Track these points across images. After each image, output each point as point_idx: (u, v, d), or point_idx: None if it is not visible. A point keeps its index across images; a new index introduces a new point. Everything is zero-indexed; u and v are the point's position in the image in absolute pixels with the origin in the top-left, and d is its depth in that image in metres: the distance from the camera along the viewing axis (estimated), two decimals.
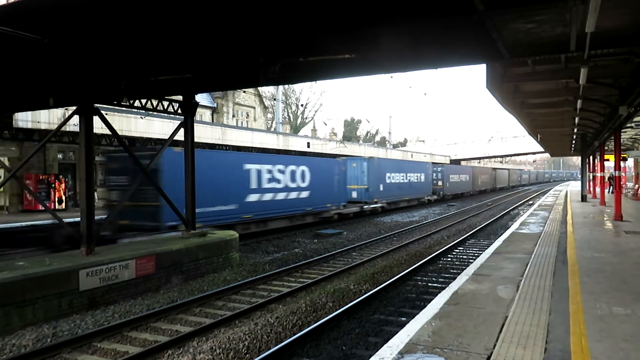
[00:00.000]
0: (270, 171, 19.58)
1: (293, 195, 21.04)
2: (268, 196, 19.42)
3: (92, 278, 9.51)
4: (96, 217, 10.88)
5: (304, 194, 21.75)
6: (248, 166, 18.51)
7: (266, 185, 19.30)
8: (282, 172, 20.40)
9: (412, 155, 51.45)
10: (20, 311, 8.30)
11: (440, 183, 41.20)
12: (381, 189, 29.63)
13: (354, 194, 27.89)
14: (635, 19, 7.40)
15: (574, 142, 29.70)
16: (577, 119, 18.15)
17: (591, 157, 34.18)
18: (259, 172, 18.92)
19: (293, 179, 21.07)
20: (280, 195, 20.20)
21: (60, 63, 9.82)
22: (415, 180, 35.81)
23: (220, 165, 17.21)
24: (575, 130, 22.54)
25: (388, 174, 30.93)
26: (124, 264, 10.18)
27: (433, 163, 42.67)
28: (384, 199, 29.84)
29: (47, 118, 17.52)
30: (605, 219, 17.09)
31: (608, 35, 7.94)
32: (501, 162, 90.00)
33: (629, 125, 19.17)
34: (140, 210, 14.69)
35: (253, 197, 18.58)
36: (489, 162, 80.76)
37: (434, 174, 40.37)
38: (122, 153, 15.07)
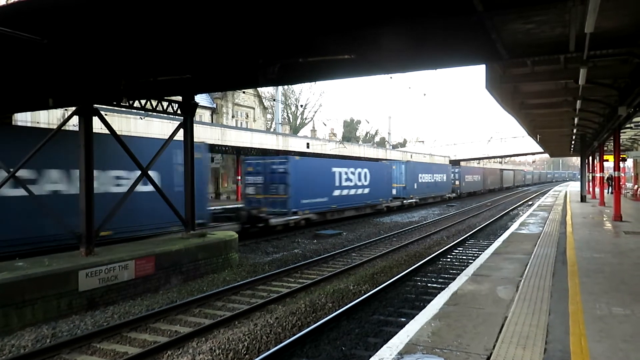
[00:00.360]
0: (346, 173, 25.63)
1: (359, 191, 27.18)
2: (345, 192, 25.49)
3: (91, 279, 9.50)
4: (233, 206, 12.52)
5: (366, 191, 27.88)
6: (334, 169, 24.61)
7: (344, 184, 25.42)
8: (353, 173, 26.42)
9: (411, 155, 51.45)
10: (19, 312, 8.30)
11: (457, 182, 46.79)
12: (415, 187, 35.62)
13: (394, 191, 32.97)
14: (635, 19, 7.41)
15: (573, 142, 29.71)
16: (576, 120, 18.16)
17: (590, 158, 34.20)
18: (340, 173, 24.99)
19: (359, 179, 27.14)
20: (352, 191, 26.33)
21: (60, 64, 9.81)
22: (440, 180, 41.28)
23: (318, 168, 23.40)
24: (575, 130, 22.55)
25: (420, 175, 36.91)
26: (123, 264, 10.18)
27: (452, 165, 48.63)
28: (417, 196, 35.82)
29: (46, 119, 17.50)
30: (604, 219, 17.10)
31: (607, 36, 7.94)
32: (500, 162, 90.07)
33: (628, 125, 19.20)
34: (273, 200, 20.89)
35: (336, 192, 24.65)
36: (488, 162, 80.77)
37: (453, 175, 46.00)
38: (257, 160, 22.64)
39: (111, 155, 12.89)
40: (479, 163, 73.44)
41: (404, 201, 33.47)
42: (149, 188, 13.17)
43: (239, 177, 33.00)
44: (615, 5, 6.48)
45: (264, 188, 21.37)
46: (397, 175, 33.59)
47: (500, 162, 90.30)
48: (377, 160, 36.94)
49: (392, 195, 31.92)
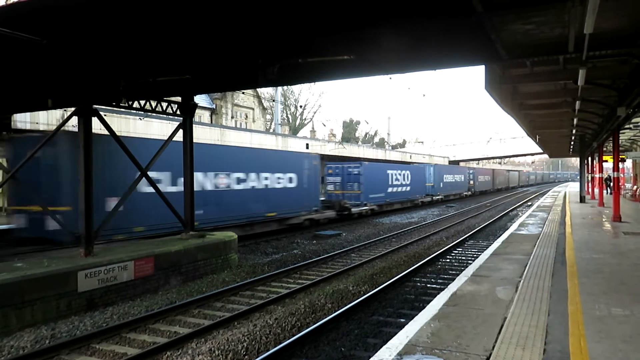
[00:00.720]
0: (395, 174, 32.68)
1: (403, 189, 34.16)
2: (395, 189, 32.59)
3: (90, 279, 9.49)
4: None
5: (408, 189, 34.88)
6: (388, 171, 31.89)
7: (394, 183, 32.49)
8: (400, 174, 33.44)
9: (410, 156, 51.51)
10: (18, 312, 8.29)
11: (472, 182, 53.80)
12: (441, 186, 42.53)
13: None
14: (634, 20, 7.42)
15: (572, 143, 29.72)
16: (575, 120, 18.16)
17: (590, 158, 34.21)
18: (392, 174, 32.16)
19: (404, 179, 34.22)
20: (399, 189, 33.38)
21: (59, 64, 9.81)
22: (459, 180, 48.84)
23: (378, 170, 30.62)
24: (574, 131, 22.56)
25: (445, 176, 44.28)
26: (122, 265, 10.17)
27: (468, 167, 55.47)
28: (442, 193, 42.73)
29: (45, 119, 17.48)
30: (603, 220, 17.12)
31: (606, 37, 7.95)
32: (500, 163, 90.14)
33: (627, 126, 19.20)
34: (350, 194, 27.54)
35: (390, 190, 31.82)
36: (487, 163, 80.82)
37: (469, 176, 53.02)
38: (336, 164, 29.10)
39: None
40: (478, 164, 73.45)
41: (434, 197, 40.55)
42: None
43: None
44: (614, 6, 6.49)
45: (342, 186, 28.36)
46: (427, 175, 39.88)
47: (500, 163, 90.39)
48: (376, 160, 38.63)
49: (425, 192, 39.00)
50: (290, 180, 20.69)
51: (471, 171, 54.12)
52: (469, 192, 52.06)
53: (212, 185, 16.64)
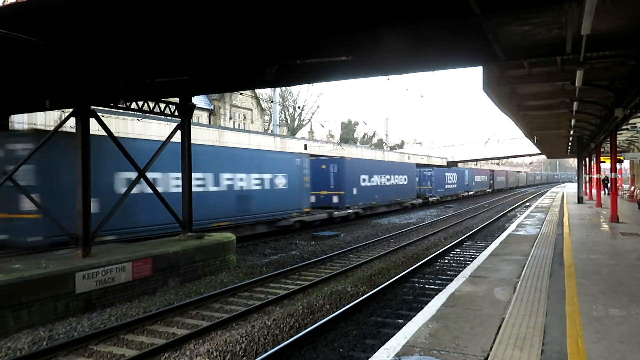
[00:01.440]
0: (448, 175, 46.69)
1: (453, 186, 47.51)
2: (448, 186, 45.84)
3: (88, 280, 9.48)
4: None
5: (455, 186, 47.59)
6: (445, 173, 45.98)
7: (448, 181, 46.13)
8: (451, 175, 47.61)
9: (409, 157, 51.53)
10: (16, 314, 8.27)
11: (491, 182, 66.02)
12: (473, 184, 55.45)
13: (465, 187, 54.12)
14: (631, 21, 7.44)
15: (570, 144, 29.77)
16: (573, 121, 18.22)
17: (587, 159, 34.28)
18: (447, 175, 46.35)
19: (453, 179, 48.02)
20: (451, 186, 46.75)
21: (57, 65, 9.80)
22: (484, 180, 62.77)
23: (440, 172, 42.73)
24: (572, 132, 22.60)
25: (475, 176, 57.50)
26: (120, 266, 10.15)
27: (489, 170, 68.69)
28: (474, 190, 55.69)
29: (43, 120, 17.45)
30: (601, 220, 17.15)
31: (603, 38, 7.98)
32: (497, 164, 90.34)
33: (624, 127, 19.26)
34: (425, 189, 38.20)
35: (446, 186, 45.19)
36: (485, 164, 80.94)
37: (490, 176, 66.22)
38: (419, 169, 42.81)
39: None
40: (476, 164, 73.62)
41: (468, 192, 52.87)
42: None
43: None
44: (611, 7, 6.51)
45: (420, 183, 41.10)
46: (466, 177, 51.93)
47: (498, 164, 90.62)
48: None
49: (464, 189, 51.16)
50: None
51: (491, 173, 67.82)
52: (490, 189, 65.48)
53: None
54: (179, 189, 13.80)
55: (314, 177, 24.20)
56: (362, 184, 27.73)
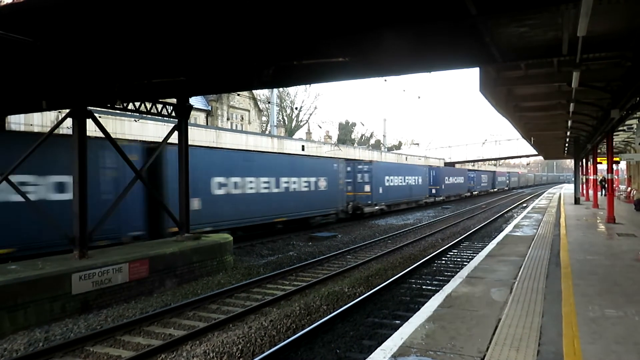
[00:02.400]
0: (475, 175, 56.46)
1: (484, 184, 60.96)
2: (480, 185, 58.49)
3: (84, 282, 9.46)
4: None
5: (485, 184, 60.17)
6: (482, 175, 61.40)
7: (481, 181, 60.20)
8: (481, 175, 61.91)
9: (406, 158, 51.54)
10: (12, 315, 8.24)
11: (507, 182, 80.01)
12: (498, 182, 70.77)
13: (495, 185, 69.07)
14: (626, 23, 7.47)
15: (567, 145, 29.83)
16: (570, 122, 18.25)
17: (584, 160, 34.36)
18: (472, 176, 55.03)
19: (484, 179, 61.95)
20: (483, 184, 60.38)
21: (53, 66, 9.78)
22: (506, 180, 78.51)
23: (476, 174, 59.64)
24: (568, 133, 22.65)
25: (498, 178, 71.87)
26: (117, 267, 10.13)
27: (508, 172, 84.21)
28: (494, 188, 68.02)
29: (39, 121, 17.41)
30: (598, 221, 17.19)
31: (599, 40, 8.00)
32: (495, 165, 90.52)
33: (621, 128, 19.29)
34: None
35: (476, 185, 57.71)
36: (483, 165, 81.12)
37: (508, 176, 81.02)
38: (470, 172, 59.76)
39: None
40: (473, 165, 73.76)
41: (490, 189, 64.86)
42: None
43: None
44: (607, 9, 6.53)
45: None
46: (490, 178, 65.18)
47: (495, 165, 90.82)
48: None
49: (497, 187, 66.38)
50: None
51: (508, 174, 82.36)
52: (506, 187, 79.26)
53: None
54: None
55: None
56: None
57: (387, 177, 31.43)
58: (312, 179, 23.09)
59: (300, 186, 21.92)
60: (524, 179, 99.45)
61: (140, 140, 15.78)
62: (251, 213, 18.48)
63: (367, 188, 29.12)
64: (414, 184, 36.80)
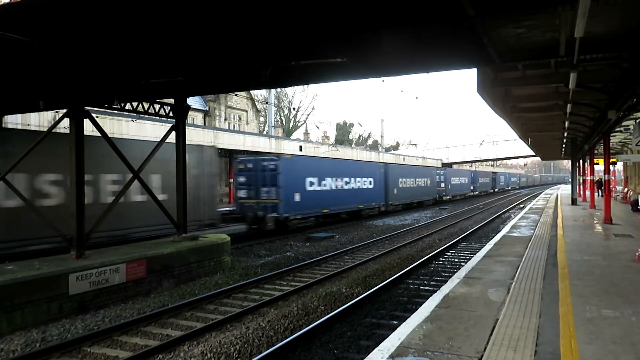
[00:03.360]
0: (501, 175, 78.57)
1: (502, 183, 78.35)
2: (501, 183, 77.26)
3: (82, 282, 9.44)
4: None
5: (502, 183, 77.41)
6: (500, 176, 77.54)
7: (506, 180, 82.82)
8: (507, 175, 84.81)
9: (404, 158, 51.68)
10: (8, 316, 8.22)
11: (519, 182, 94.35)
12: (511, 182, 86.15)
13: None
14: (623, 24, 7.49)
15: (564, 146, 29.89)
16: (567, 123, 18.28)
17: (581, 161, 34.43)
18: (500, 176, 76.67)
19: (504, 179, 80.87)
20: (503, 183, 79.49)
21: (50, 66, 9.75)
22: (517, 180, 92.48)
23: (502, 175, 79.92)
24: (566, 134, 22.70)
25: (512, 178, 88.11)
26: (114, 267, 10.12)
27: (518, 173, 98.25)
28: (509, 186, 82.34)
29: (37, 121, 17.39)
30: (595, 222, 17.24)
31: (597, 41, 8.02)
32: (492, 165, 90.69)
33: (618, 129, 19.35)
34: (508, 184, 75.95)
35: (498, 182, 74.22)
36: (480, 165, 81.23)
37: (519, 177, 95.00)
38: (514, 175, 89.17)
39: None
40: (471, 166, 73.99)
41: (504, 189, 75.64)
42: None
43: (232, 180, 33.14)
44: (604, 10, 6.56)
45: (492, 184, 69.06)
46: (507, 178, 76.41)
47: (492, 165, 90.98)
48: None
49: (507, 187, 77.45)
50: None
51: (519, 175, 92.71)
52: (517, 187, 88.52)
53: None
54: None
55: None
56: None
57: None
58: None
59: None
60: (532, 180, 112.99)
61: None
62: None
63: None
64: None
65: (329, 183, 24.32)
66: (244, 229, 20.82)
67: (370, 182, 29.09)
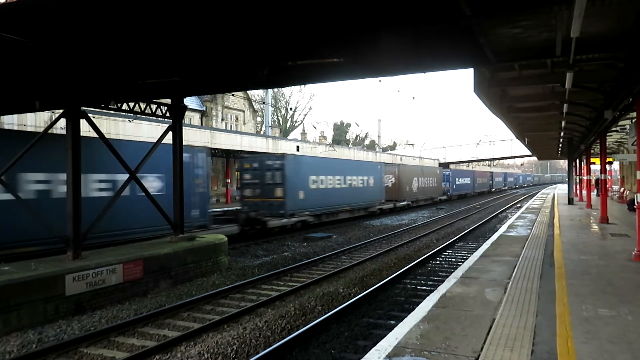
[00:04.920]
0: (519, 176, 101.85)
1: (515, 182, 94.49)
2: (512, 181, 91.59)
3: (78, 283, 9.41)
4: None
5: (520, 181, 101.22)
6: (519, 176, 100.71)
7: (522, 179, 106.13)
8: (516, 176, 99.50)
9: (401, 158, 51.72)
10: (4, 317, 8.19)
11: (528, 180, 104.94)
12: (507, 182, 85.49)
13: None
14: (619, 25, 7.52)
15: (560, 145, 29.97)
16: (563, 123, 18.33)
17: (578, 161, 34.53)
18: (520, 177, 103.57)
19: (518, 179, 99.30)
20: (521, 181, 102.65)
21: (46, 66, 9.73)
22: (530, 179, 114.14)
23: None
24: (562, 134, 22.75)
25: (527, 177, 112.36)
26: (111, 268, 10.09)
27: (529, 173, 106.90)
28: (506, 186, 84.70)
29: (33, 121, 17.33)
30: (591, 221, 17.29)
31: (593, 41, 8.05)
32: (489, 165, 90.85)
33: (614, 129, 19.39)
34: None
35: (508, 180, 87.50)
36: (477, 165, 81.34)
37: (530, 177, 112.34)
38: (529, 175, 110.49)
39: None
40: (468, 166, 74.11)
41: (519, 186, 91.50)
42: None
43: (229, 180, 33.14)
44: (600, 10, 6.57)
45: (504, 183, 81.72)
46: (518, 178, 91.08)
47: (489, 165, 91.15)
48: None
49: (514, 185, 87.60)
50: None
51: (530, 174, 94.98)
52: (526, 184, 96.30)
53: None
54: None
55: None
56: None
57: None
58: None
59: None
60: (539, 180, 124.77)
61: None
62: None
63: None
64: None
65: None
66: (236, 230, 20.03)
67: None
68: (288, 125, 65.55)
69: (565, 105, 13.39)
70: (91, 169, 12.71)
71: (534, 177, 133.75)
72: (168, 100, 13.37)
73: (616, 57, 9.07)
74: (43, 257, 10.61)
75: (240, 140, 29.91)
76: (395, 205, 33.37)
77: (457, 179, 52.68)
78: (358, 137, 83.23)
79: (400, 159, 51.28)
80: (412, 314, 6.15)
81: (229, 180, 33.55)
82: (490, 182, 70.87)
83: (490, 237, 14.47)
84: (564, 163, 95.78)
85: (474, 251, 11.75)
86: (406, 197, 35.87)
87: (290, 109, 65.44)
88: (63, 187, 11.53)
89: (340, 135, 78.49)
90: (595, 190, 31.77)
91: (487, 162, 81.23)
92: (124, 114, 12.75)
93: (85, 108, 11.30)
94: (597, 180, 31.33)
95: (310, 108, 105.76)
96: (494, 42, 7.89)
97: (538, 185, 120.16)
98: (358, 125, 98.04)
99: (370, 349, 4.98)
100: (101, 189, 13.36)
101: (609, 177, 34.67)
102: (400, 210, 34.99)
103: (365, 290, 10.43)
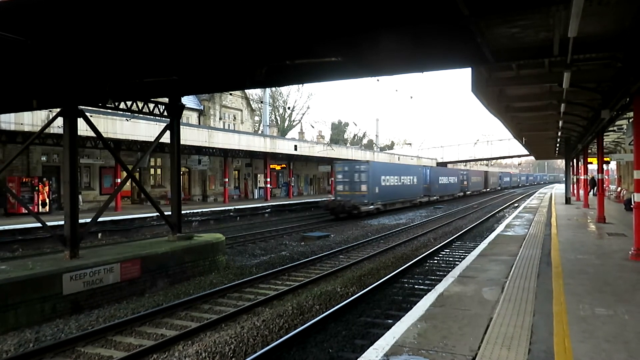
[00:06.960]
0: (530, 176, 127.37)
1: (523, 181, 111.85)
2: (523, 180, 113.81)
3: (75, 282, 9.40)
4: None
5: (533, 180, 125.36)
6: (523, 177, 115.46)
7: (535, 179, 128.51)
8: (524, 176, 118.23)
9: (398, 158, 51.79)
10: (1, 316, 8.17)
11: (536, 179, 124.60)
12: (504, 182, 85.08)
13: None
14: (616, 24, 7.53)
15: (558, 145, 30.03)
16: (561, 123, 18.36)
17: (575, 160, 34.60)
18: (527, 177, 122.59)
19: (527, 178, 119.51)
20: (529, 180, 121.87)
21: (44, 65, 9.70)
22: (546, 177, 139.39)
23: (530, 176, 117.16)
24: (560, 133, 22.79)
25: (541, 176, 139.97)
26: (108, 267, 10.08)
27: (511, 172, 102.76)
28: (531, 183, 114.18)
29: (30, 120, 17.29)
30: (588, 221, 17.33)
31: (590, 40, 8.06)
32: (487, 164, 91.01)
33: (611, 128, 19.45)
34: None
35: (517, 181, 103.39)
36: (474, 165, 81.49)
37: (538, 176, 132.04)
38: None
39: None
40: (465, 165, 74.22)
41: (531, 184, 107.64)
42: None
43: (226, 180, 33.13)
44: (597, 10, 6.58)
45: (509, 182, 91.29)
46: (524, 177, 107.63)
47: (487, 165, 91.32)
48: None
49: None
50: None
51: (544, 174, 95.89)
52: (535, 182, 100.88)
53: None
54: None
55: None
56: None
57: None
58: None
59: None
60: (544, 179, 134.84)
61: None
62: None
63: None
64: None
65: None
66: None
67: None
68: (286, 125, 65.53)
69: (562, 105, 13.41)
70: (396, 173, 34.07)
71: (529, 177, 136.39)
72: (166, 99, 13.35)
73: (614, 57, 9.08)
74: (40, 256, 10.59)
75: (238, 139, 29.88)
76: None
77: (472, 178, 56.56)
78: (356, 137, 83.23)
79: (398, 158, 51.35)
80: (409, 313, 6.16)
81: (227, 180, 33.50)
82: (485, 181, 70.20)
83: (487, 236, 14.50)
84: (561, 163, 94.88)
85: (472, 250, 11.76)
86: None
87: (288, 108, 65.47)
88: None
89: (338, 135, 78.48)
90: (592, 191, 31.83)
91: (484, 161, 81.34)
92: (121, 112, 12.73)
93: (83, 107, 11.27)
94: (592, 180, 31.39)
95: (308, 107, 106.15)
96: (492, 41, 7.90)
97: (536, 184, 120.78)
98: (356, 125, 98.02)
99: (368, 348, 4.98)
100: (393, 183, 33.59)
101: (606, 177, 34.73)
102: (398, 211, 35.06)
103: (363, 290, 10.44)
